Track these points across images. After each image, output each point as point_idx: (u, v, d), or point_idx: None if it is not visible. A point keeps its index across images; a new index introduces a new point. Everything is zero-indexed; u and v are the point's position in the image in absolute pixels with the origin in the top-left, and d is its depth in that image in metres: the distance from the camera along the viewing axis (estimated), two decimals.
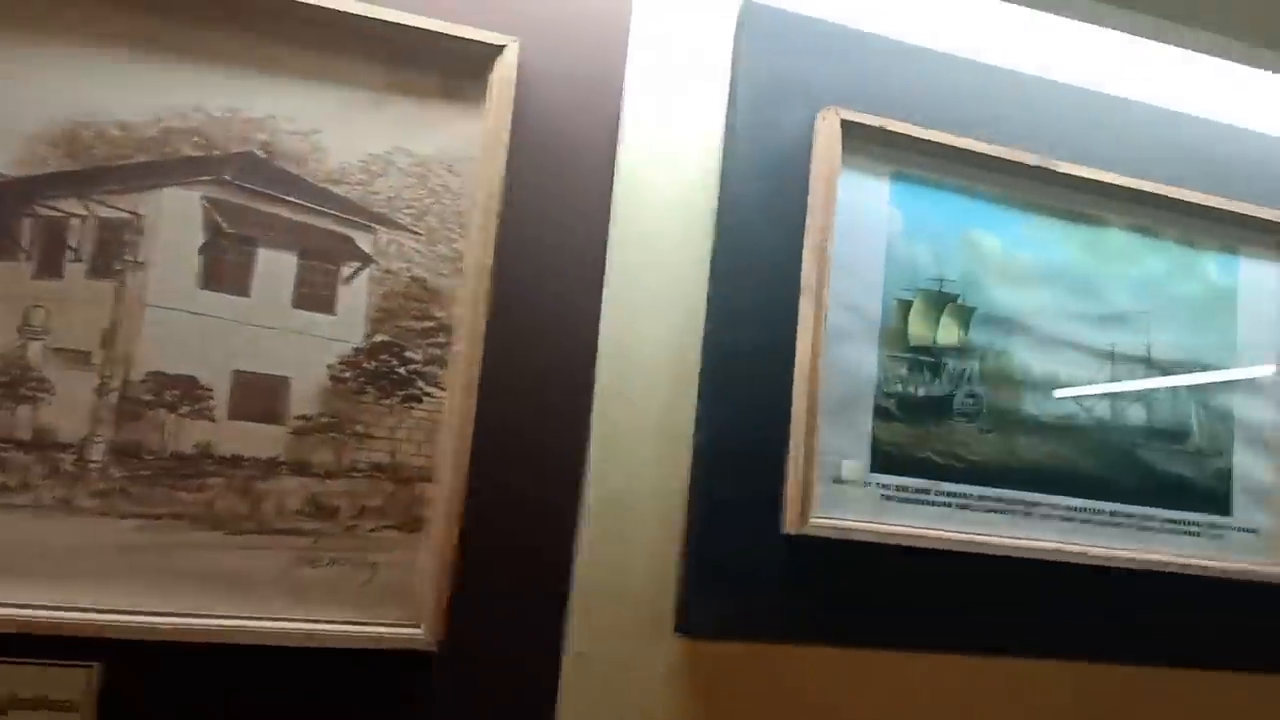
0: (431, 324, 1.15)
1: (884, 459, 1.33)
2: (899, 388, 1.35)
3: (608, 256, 1.26)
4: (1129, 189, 1.46)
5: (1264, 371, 1.53)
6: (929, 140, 1.37)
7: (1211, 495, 1.48)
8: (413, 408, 1.14)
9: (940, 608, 1.34)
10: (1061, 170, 1.43)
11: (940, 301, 1.38)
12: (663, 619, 1.26)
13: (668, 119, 1.31)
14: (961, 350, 1.39)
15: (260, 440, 1.09)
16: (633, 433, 1.27)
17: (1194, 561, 1.44)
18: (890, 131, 1.36)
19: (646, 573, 1.26)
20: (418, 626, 1.11)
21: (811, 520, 1.28)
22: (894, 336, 1.36)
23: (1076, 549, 1.39)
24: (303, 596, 1.09)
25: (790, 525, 1.27)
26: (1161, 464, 1.46)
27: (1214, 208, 1.50)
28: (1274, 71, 1.49)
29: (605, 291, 1.25)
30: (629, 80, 1.28)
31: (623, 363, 1.27)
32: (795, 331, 1.30)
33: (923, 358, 1.37)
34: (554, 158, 1.22)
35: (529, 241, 1.20)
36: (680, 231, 1.31)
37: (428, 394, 1.14)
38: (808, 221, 1.32)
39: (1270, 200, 1.54)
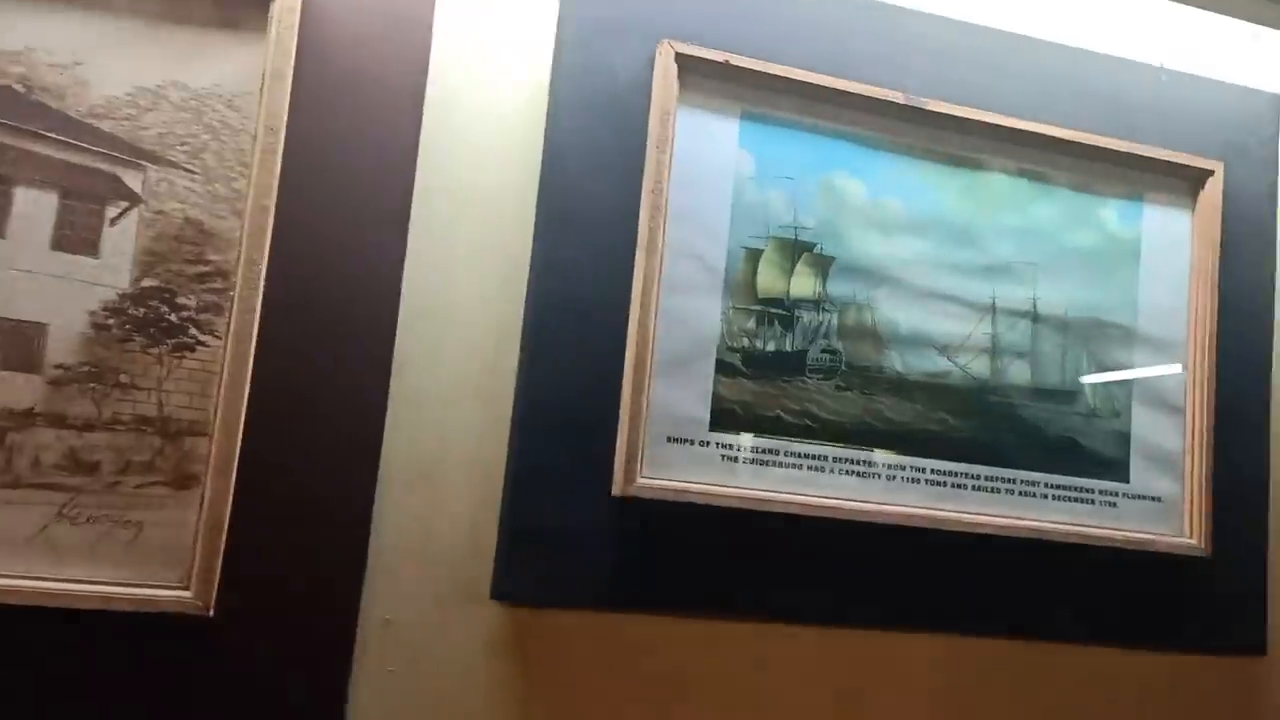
0: (207, 268, 1.09)
1: (727, 417, 1.24)
2: (745, 342, 1.26)
3: (415, 202, 1.18)
4: (1013, 129, 1.35)
5: (1168, 326, 1.41)
6: (780, 76, 1.27)
7: (1106, 460, 1.37)
8: (184, 357, 1.07)
9: (788, 576, 1.25)
10: (933, 109, 1.32)
11: (795, 250, 1.29)
12: (479, 585, 1.18)
13: (486, 55, 1.24)
14: (818, 302, 1.29)
15: (14, 390, 1.03)
16: (448, 392, 1.20)
17: (1082, 530, 1.33)
18: (735, 67, 1.26)
19: (463, 537, 1.19)
20: (187, 589, 1.05)
21: (639, 481, 1.19)
22: (741, 288, 1.27)
23: (945, 515, 1.29)
24: (61, 556, 1.03)
25: (618, 487, 1.19)
26: (1048, 426, 1.35)
27: (1114, 150, 1.39)
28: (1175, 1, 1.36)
29: (412, 240, 1.18)
30: (440, 10, 1.20)
31: (436, 317, 1.20)
32: (629, 283, 1.21)
33: (773, 310, 1.27)
34: (349, 94, 1.15)
35: (319, 183, 1.13)
36: (501, 177, 1.23)
37: (201, 343, 1.08)
38: (645, 165, 1.23)
39: (1179, 142, 1.42)
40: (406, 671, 1.15)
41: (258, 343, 1.08)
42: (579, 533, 1.19)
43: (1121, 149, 1.39)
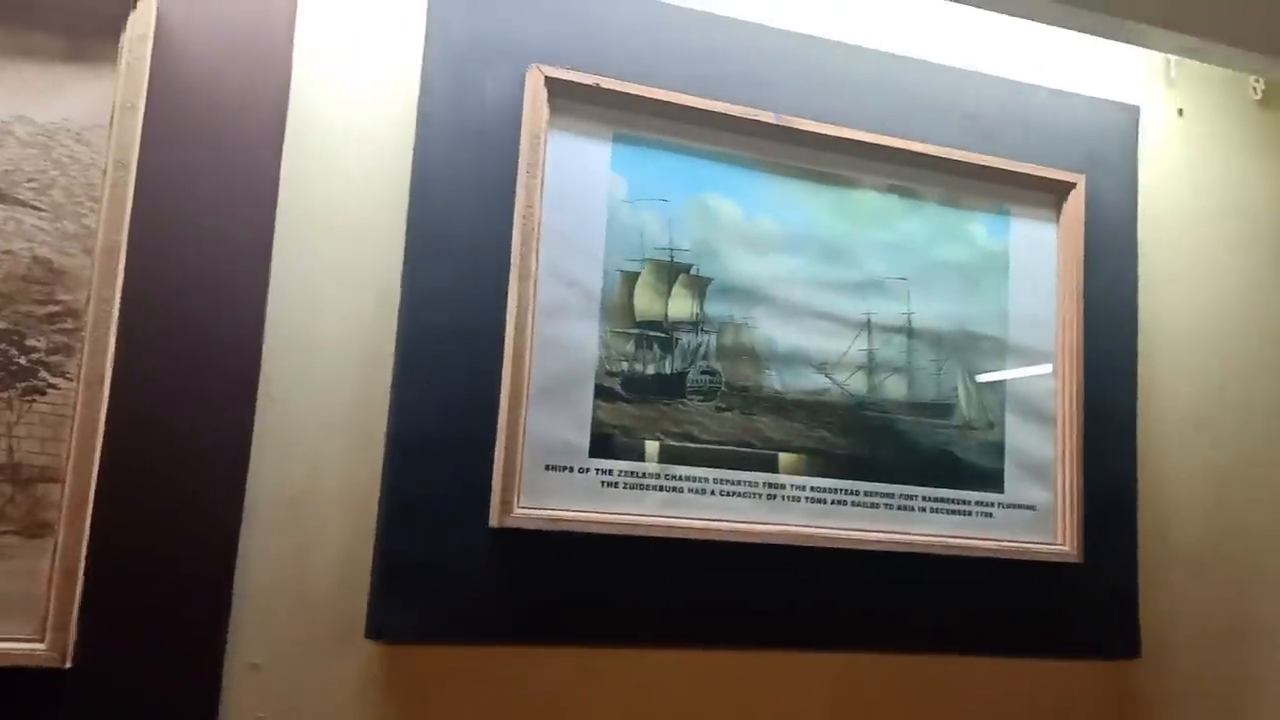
0: (57, 308, 1.04)
1: (606, 443, 1.24)
2: (624, 366, 1.25)
3: (278, 232, 1.15)
4: (881, 146, 1.37)
5: (1038, 337, 1.44)
6: (651, 99, 1.27)
7: (981, 472, 1.39)
8: (34, 401, 1.03)
9: (672, 600, 1.24)
10: (802, 128, 1.33)
11: (672, 272, 1.29)
12: (353, 624, 1.16)
13: (351, 79, 1.21)
14: (696, 323, 1.29)
15: None
16: (317, 426, 1.17)
17: (960, 542, 1.35)
18: (606, 90, 1.26)
19: (335, 575, 1.16)
20: (41, 640, 1.00)
21: (517, 511, 1.18)
22: (618, 311, 1.26)
23: (827, 533, 1.30)
24: None
25: (495, 518, 1.17)
26: (925, 440, 1.37)
27: (980, 165, 1.42)
28: (1037, 20, 1.39)
29: (276, 271, 1.15)
30: (302, 34, 1.17)
31: (303, 350, 1.17)
32: (503, 309, 1.20)
33: (651, 333, 1.27)
34: (206, 123, 1.11)
35: (174, 217, 1.09)
36: (369, 202, 1.21)
37: (53, 385, 1.04)
38: (516, 189, 1.21)
39: (1042, 156, 1.45)
40: (276, 718, 1.12)
41: (112, 383, 1.04)
42: (456, 566, 1.17)
43: (987, 164, 1.41)
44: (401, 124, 1.22)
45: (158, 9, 1.08)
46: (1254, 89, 1.62)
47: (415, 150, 1.21)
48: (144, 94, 1.07)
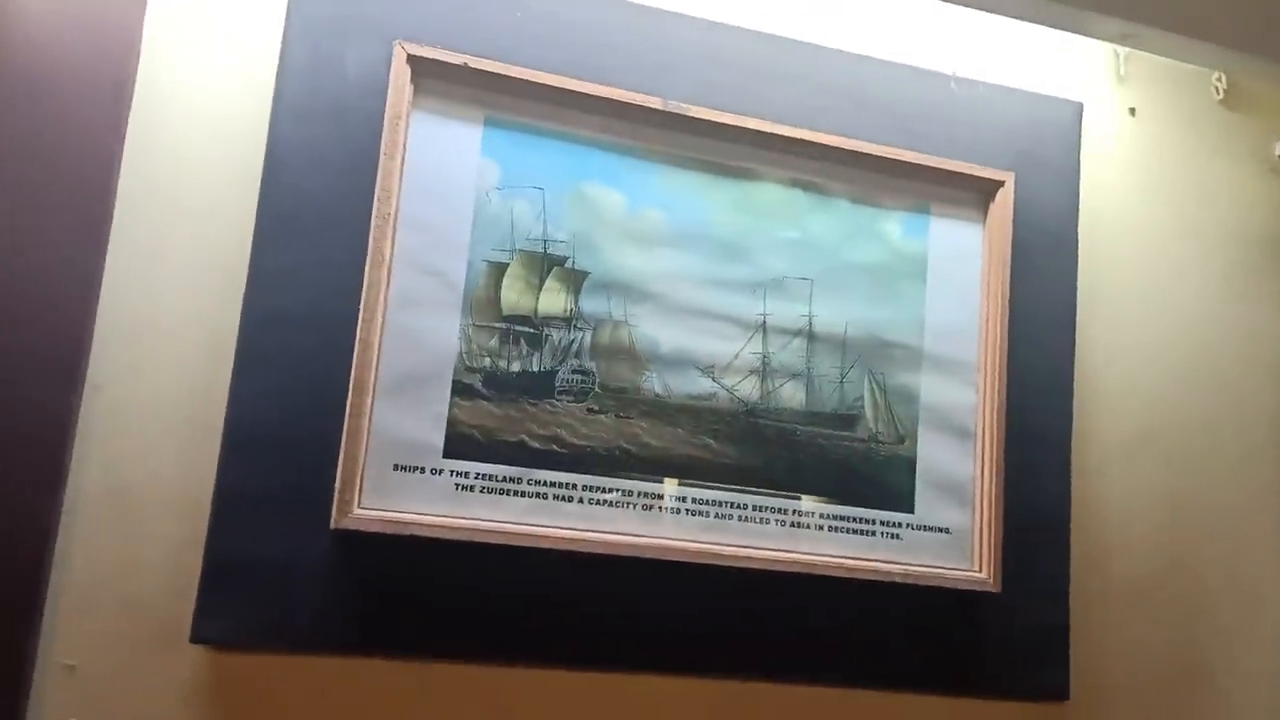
0: None
1: (464, 443, 1.16)
2: (486, 362, 1.18)
3: (118, 210, 1.10)
4: (786, 138, 1.28)
5: (957, 346, 1.33)
6: (526, 80, 1.20)
7: (889, 489, 1.29)
8: None
9: (531, 615, 1.16)
10: (696, 116, 1.25)
11: (545, 264, 1.21)
12: (179, 627, 1.09)
13: (205, 52, 1.16)
14: (569, 320, 1.21)
15: None
16: (151, 414, 1.11)
17: (861, 564, 1.25)
18: (476, 70, 1.19)
19: (163, 575, 1.09)
20: None
21: (357, 511, 1.11)
22: (482, 304, 1.18)
23: (708, 548, 1.20)
24: None
25: (334, 518, 1.10)
26: (825, 453, 1.27)
27: (898, 160, 1.32)
28: (961, 3, 1.30)
29: (114, 252, 1.10)
30: (156, 6, 1.13)
31: (140, 333, 1.11)
32: (356, 298, 1.13)
33: (519, 328, 1.19)
34: (44, 96, 1.07)
35: (1, 195, 1.04)
36: (219, 182, 1.15)
37: None
38: (375, 172, 1.15)
39: (968, 153, 1.35)
40: None
41: None
42: (290, 569, 1.10)
43: (905, 159, 1.32)
44: (258, 101, 1.16)
45: None
46: (1216, 88, 1.50)
47: (270, 128, 1.15)
48: None
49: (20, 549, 1.03)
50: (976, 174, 1.34)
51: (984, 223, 1.35)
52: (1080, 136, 1.41)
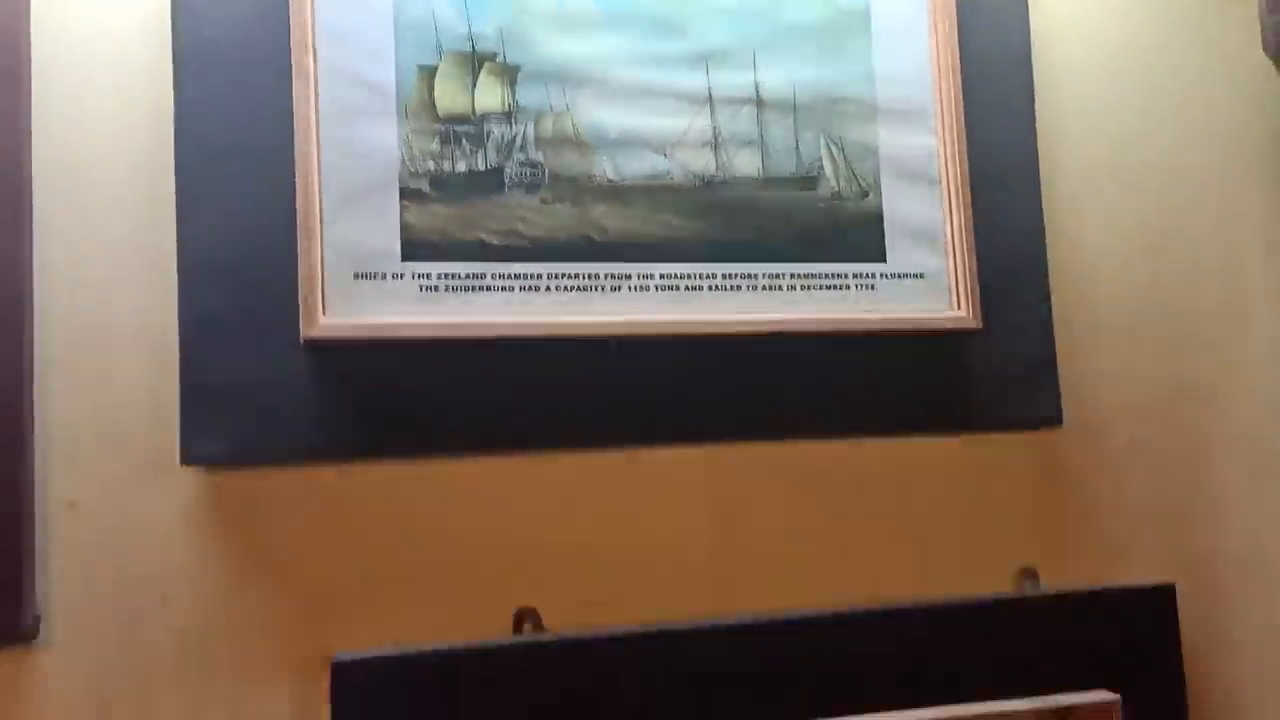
0: None
1: (422, 247, 1.16)
2: (430, 165, 1.17)
3: (36, 53, 1.10)
4: None
5: (911, 94, 1.31)
6: None
7: (858, 243, 1.28)
8: None
9: (517, 404, 1.17)
10: None
11: (475, 62, 1.20)
12: (168, 454, 1.10)
13: None
14: (508, 114, 1.20)
15: None
16: (103, 254, 1.11)
17: (840, 317, 1.24)
18: None
19: (143, 406, 1.10)
20: None
21: (325, 321, 1.11)
22: (419, 109, 1.17)
23: (683, 320, 1.20)
24: None
25: (304, 330, 1.10)
26: (788, 216, 1.26)
27: None
28: None
29: (36, 101, 1.10)
30: None
31: (74, 174, 1.11)
32: (289, 118, 1.12)
33: (459, 128, 1.18)
34: None
35: None
36: (134, 19, 1.14)
37: None
38: None
39: None
40: (99, 552, 1.08)
41: None
42: (266, 384, 1.11)
43: None
44: None
45: None
46: None
47: None
48: None
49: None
50: None
51: None
52: None
